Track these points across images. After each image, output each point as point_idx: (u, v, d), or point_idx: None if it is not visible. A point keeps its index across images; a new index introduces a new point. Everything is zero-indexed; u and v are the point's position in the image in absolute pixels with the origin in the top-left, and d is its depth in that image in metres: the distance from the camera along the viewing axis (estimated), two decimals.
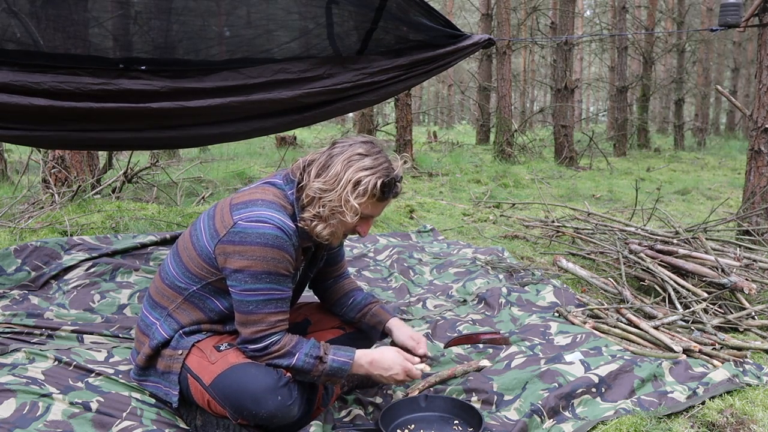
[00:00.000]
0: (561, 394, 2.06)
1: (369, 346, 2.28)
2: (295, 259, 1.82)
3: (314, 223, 1.81)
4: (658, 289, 3.25)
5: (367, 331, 2.17)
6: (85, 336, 2.49)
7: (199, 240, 1.84)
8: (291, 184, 1.87)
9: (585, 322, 2.79)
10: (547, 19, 17.16)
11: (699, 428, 1.99)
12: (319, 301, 2.30)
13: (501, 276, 3.58)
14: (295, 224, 1.81)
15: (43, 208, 4.71)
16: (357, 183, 1.75)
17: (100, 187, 5.51)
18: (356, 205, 1.76)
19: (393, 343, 2.09)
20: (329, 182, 1.76)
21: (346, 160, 1.77)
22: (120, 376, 2.03)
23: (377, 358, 1.88)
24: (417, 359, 1.98)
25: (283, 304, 1.79)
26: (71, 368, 2.04)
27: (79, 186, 5.10)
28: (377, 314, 2.15)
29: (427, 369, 1.99)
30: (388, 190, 1.80)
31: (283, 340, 1.77)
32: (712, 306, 2.99)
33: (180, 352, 1.85)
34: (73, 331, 2.49)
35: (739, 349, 2.58)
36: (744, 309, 2.98)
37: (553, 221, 5.11)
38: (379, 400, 2.17)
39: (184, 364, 1.83)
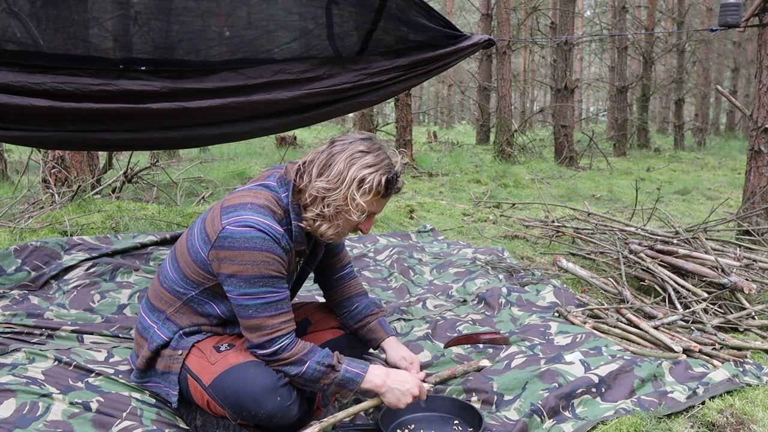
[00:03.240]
0: (561, 394, 2.06)
1: (366, 350, 2.28)
2: (288, 261, 1.80)
3: (317, 223, 1.80)
4: (658, 289, 3.25)
5: (363, 340, 2.19)
6: (85, 336, 2.49)
7: (194, 245, 1.83)
8: (285, 186, 1.84)
9: (585, 322, 2.79)
10: (547, 19, 17.17)
11: (699, 428, 1.99)
12: (319, 300, 2.30)
13: (501, 276, 3.58)
14: (285, 228, 1.79)
15: (43, 208, 4.71)
16: (361, 181, 1.74)
17: (100, 187, 5.52)
18: (363, 204, 1.75)
19: (386, 362, 2.11)
20: (333, 181, 1.75)
21: (349, 158, 1.75)
22: (120, 376, 2.03)
23: (394, 372, 1.89)
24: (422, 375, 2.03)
25: (281, 305, 1.76)
26: (71, 368, 2.04)
27: (79, 186, 5.10)
28: (374, 330, 2.14)
29: (431, 388, 2.08)
30: (391, 186, 1.80)
31: (295, 348, 1.75)
32: (712, 306, 2.99)
33: (180, 352, 1.85)
34: (73, 331, 2.49)
35: (739, 349, 2.58)
36: (744, 309, 2.98)
37: (553, 221, 5.11)
38: None
39: (183, 365, 1.83)
